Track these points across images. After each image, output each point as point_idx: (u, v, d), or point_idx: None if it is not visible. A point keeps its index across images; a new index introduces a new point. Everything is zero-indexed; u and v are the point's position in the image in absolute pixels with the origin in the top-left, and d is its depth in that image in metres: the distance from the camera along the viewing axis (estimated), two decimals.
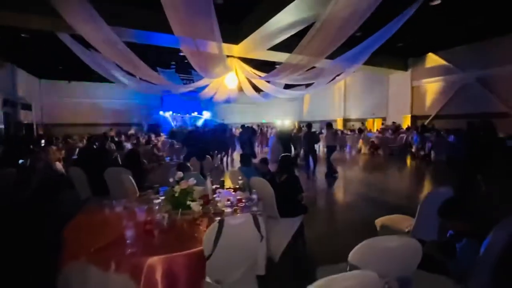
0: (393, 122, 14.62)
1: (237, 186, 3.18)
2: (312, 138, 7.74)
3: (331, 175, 7.52)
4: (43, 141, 8.79)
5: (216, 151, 8.55)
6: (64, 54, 8.10)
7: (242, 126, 11.43)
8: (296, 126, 13.98)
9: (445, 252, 1.69)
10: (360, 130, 14.28)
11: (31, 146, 6.75)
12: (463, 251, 1.62)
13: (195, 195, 2.51)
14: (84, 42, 6.09)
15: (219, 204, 2.55)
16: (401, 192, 6.15)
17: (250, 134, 10.12)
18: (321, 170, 8.04)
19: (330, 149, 8.04)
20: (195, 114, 22.92)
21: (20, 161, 4.54)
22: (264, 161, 4.06)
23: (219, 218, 1.97)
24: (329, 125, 8.24)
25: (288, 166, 3.30)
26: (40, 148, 6.60)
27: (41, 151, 5.67)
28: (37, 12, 6.18)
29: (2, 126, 11.26)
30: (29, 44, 10.13)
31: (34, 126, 15.56)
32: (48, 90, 17.88)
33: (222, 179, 3.50)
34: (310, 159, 7.89)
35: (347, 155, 12.79)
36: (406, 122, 14.32)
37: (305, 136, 7.90)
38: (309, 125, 8.07)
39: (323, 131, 15.95)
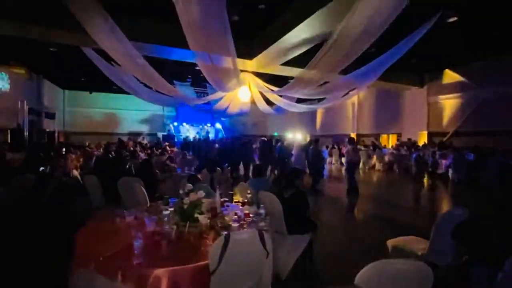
0: (409, 139, 14.28)
1: (246, 200, 3.17)
2: (318, 156, 7.72)
3: (353, 192, 7.36)
4: (64, 148, 9.14)
5: (226, 164, 8.60)
6: (86, 66, 8.53)
7: (264, 140, 11.47)
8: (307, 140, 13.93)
9: (458, 278, 1.61)
10: (375, 146, 14.01)
11: (52, 153, 7.03)
12: (477, 277, 1.54)
13: (204, 208, 2.52)
14: (106, 55, 6.41)
15: (226, 218, 2.55)
16: (415, 212, 5.94)
17: (270, 146, 10.13)
18: (333, 186, 7.91)
19: (353, 165, 7.71)
20: (208, 126, 23.30)
21: (41, 168, 4.73)
22: (295, 173, 3.35)
23: (225, 232, 1.97)
24: (351, 140, 8.01)
25: (294, 181, 3.26)
26: (60, 155, 6.86)
27: (60, 158, 5.90)
28: (64, 27, 6.60)
29: (27, 133, 11.84)
30: (56, 56, 10.75)
31: (56, 134, 16.25)
32: (70, 100, 18.81)
33: (231, 192, 3.51)
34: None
35: (360, 171, 12.56)
36: (422, 139, 13.95)
37: (312, 153, 7.87)
38: (316, 140, 8.03)
39: (335, 146, 15.79)
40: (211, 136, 21.79)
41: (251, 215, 2.64)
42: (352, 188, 7.48)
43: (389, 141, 16.78)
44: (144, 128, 21.46)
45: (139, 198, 3.58)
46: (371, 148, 14.10)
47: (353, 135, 18.62)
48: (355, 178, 7.57)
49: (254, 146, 12.49)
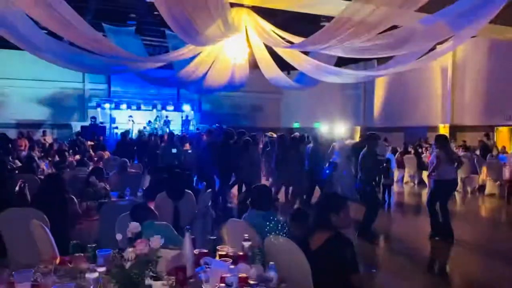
0: None
1: (241, 253, 3.18)
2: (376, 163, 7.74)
3: (443, 237, 7.41)
4: None
5: (204, 183, 8.63)
6: None
7: (281, 136, 11.38)
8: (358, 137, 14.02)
9: None
10: (485, 149, 13.96)
11: None
12: None
13: (162, 267, 2.52)
14: None
15: (204, 287, 2.56)
16: None
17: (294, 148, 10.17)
18: (405, 225, 7.90)
19: (446, 187, 7.70)
20: (171, 109, 23.39)
21: None
22: (332, 201, 3.39)
23: None
24: (441, 138, 8.01)
25: (330, 218, 3.21)
26: None
27: None
28: None
29: None
30: None
31: None
32: None
33: (213, 237, 3.51)
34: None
35: (457, 196, 12.51)
36: None
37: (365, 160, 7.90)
38: (372, 136, 7.99)
39: (410, 149, 15.80)
40: (175, 129, 21.87)
41: (251, 282, 2.63)
42: (441, 231, 7.47)
43: None
44: (47, 115, 21.56)
45: (41, 249, 3.59)
46: (478, 153, 14.01)
47: (443, 128, 18.66)
48: (447, 212, 7.55)
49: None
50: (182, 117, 23.50)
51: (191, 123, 23.69)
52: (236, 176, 10.10)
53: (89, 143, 16.09)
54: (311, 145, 10.15)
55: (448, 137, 17.94)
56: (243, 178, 9.83)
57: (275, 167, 10.35)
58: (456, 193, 12.70)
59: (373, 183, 8.07)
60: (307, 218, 4.11)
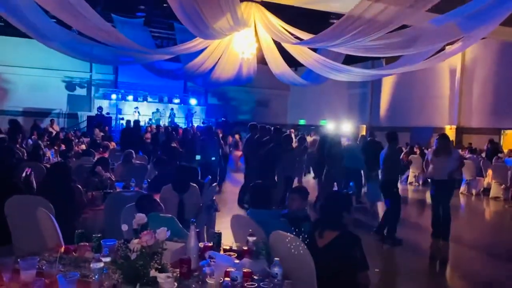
0: None
1: (245, 248, 3.17)
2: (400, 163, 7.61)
3: (444, 237, 7.41)
4: None
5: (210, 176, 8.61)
6: None
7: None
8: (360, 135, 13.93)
9: None
10: (493, 151, 13.86)
11: None
12: None
13: (167, 259, 2.52)
14: None
15: (209, 281, 2.55)
16: None
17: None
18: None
19: (444, 188, 7.56)
20: (177, 102, 23.38)
21: None
22: (340, 200, 3.51)
23: None
24: (443, 139, 7.85)
25: (338, 216, 3.26)
26: None
27: None
28: None
29: None
30: None
31: None
32: None
33: (218, 231, 3.51)
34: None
35: (462, 198, 12.44)
36: None
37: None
38: (394, 135, 7.78)
39: (416, 149, 15.73)
40: (179, 121, 21.85)
41: (255, 277, 2.62)
42: (444, 231, 7.44)
43: None
44: (54, 104, 21.62)
45: (46, 237, 3.58)
46: (484, 155, 13.92)
47: (449, 130, 18.59)
48: (448, 213, 7.49)
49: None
50: (187, 110, 23.43)
51: (192, 117, 23.26)
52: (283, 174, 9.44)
53: (98, 133, 16.11)
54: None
55: (454, 138, 18.09)
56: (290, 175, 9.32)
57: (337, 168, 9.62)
58: (461, 195, 12.70)
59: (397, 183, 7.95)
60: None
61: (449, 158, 7.47)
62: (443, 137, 7.95)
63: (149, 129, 16.50)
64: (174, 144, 11.22)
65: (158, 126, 17.53)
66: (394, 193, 7.52)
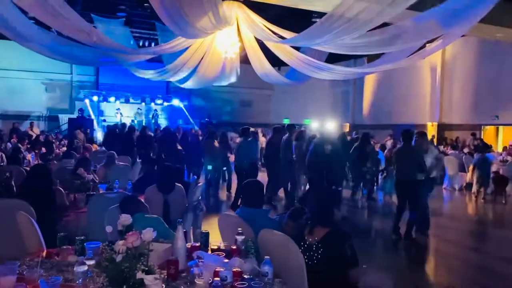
0: None
1: (234, 247, 3.17)
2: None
3: (422, 230, 7.51)
4: None
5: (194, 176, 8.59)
6: None
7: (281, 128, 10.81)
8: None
9: None
10: (479, 148, 14.10)
11: None
12: None
13: (154, 261, 2.50)
14: None
15: (198, 282, 2.52)
16: None
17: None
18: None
19: (426, 184, 7.57)
20: (160, 102, 23.23)
21: None
22: (328, 196, 3.79)
23: None
24: (421, 135, 7.94)
25: (328, 213, 3.28)
26: None
27: None
28: None
29: None
30: None
31: None
32: None
33: (205, 230, 3.49)
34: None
35: (444, 193, 12.61)
36: None
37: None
38: (413, 134, 7.68)
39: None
40: (162, 123, 21.73)
41: (245, 276, 2.62)
42: (422, 224, 7.49)
43: (499, 138, 16.98)
44: (33, 107, 21.29)
45: (26, 241, 3.56)
46: (465, 151, 14.16)
47: (431, 127, 18.84)
48: (426, 203, 7.55)
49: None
50: (169, 111, 23.36)
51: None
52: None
53: (79, 134, 15.91)
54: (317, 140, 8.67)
55: (436, 135, 18.31)
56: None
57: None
58: (443, 190, 12.88)
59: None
60: (299, 213, 4.11)
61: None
62: (421, 135, 8.00)
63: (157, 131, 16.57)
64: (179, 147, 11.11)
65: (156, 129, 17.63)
66: (417, 193, 7.23)
